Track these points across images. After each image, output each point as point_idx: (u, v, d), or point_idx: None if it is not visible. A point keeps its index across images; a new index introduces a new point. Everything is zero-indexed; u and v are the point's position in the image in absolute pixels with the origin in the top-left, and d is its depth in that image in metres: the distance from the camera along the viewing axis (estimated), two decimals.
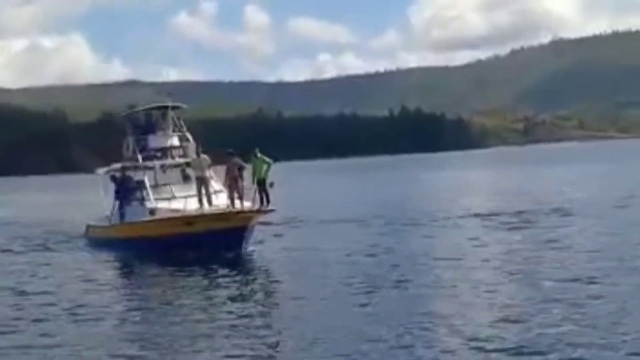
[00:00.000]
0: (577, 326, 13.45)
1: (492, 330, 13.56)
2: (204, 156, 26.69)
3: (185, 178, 28.51)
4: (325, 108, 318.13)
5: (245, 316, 15.79)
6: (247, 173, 25.64)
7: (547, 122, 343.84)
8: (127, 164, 29.15)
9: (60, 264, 25.81)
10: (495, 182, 66.34)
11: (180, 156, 29.05)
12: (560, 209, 33.88)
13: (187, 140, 29.19)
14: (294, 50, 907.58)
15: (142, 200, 27.48)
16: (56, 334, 15.23)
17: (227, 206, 25.37)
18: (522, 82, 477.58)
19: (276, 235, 29.54)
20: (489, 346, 12.58)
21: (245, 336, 14.08)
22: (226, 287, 19.34)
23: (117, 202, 28.68)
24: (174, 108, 29.64)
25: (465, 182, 67.07)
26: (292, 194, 50.21)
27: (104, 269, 24.64)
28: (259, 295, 18.54)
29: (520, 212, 33.10)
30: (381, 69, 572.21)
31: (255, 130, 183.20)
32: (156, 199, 27.11)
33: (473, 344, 12.75)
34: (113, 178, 29.37)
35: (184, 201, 26.17)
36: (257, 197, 25.21)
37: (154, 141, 29.03)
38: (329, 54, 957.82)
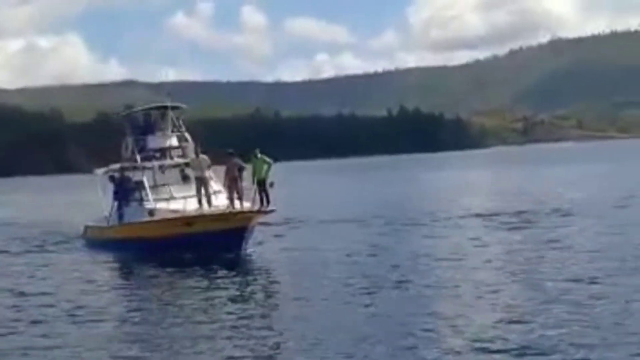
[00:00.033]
0: (580, 327, 13.40)
1: (494, 330, 13.52)
2: (203, 156, 26.60)
3: (185, 178, 28.40)
4: (323, 108, 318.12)
5: (246, 317, 15.74)
6: (247, 173, 25.56)
7: (546, 122, 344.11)
8: (126, 164, 29.05)
9: (58, 265, 25.73)
10: (495, 182, 66.37)
11: (179, 156, 28.95)
12: (561, 209, 33.86)
13: (186, 140, 29.09)
14: (292, 50, 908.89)
15: (141, 200, 27.39)
16: (56, 335, 15.18)
17: (227, 207, 25.28)
18: (520, 82, 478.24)
19: (276, 236, 29.48)
20: (492, 347, 12.54)
21: (246, 337, 14.03)
22: (226, 288, 19.28)
23: (116, 203, 28.53)
24: (173, 108, 29.54)
25: (465, 182, 67.06)
26: (292, 194, 50.10)
27: (103, 270, 24.55)
28: (260, 296, 18.50)
29: (520, 212, 33.08)
30: (379, 69, 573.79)
31: (253, 130, 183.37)
32: (155, 200, 27.03)
33: (476, 344, 12.71)
34: (112, 178, 29.24)
35: (183, 202, 26.11)
36: (257, 197, 25.12)
37: (153, 141, 28.93)
38: (327, 54, 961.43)
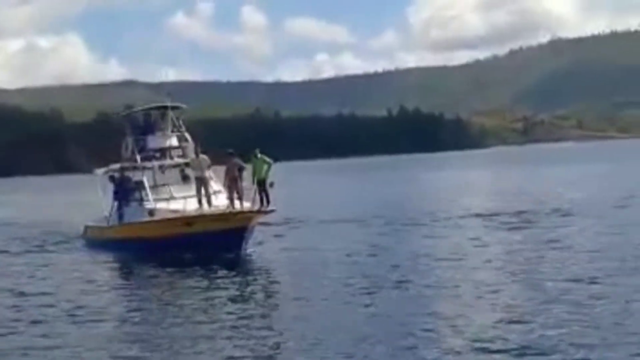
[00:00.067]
0: (580, 327, 13.40)
1: (494, 330, 13.52)
2: (203, 156, 26.56)
3: (185, 178, 28.37)
4: (323, 108, 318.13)
5: (246, 317, 15.74)
6: (247, 173, 25.54)
7: (545, 122, 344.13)
8: (126, 164, 29.01)
9: (58, 265, 25.71)
10: (495, 182, 66.39)
11: (179, 156, 28.92)
12: (561, 209, 33.86)
13: (186, 140, 29.06)
14: (292, 50, 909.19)
15: (141, 200, 27.35)
16: (56, 335, 15.18)
17: (227, 207, 25.26)
18: (520, 82, 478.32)
19: (276, 236, 29.47)
20: (492, 347, 12.55)
21: (246, 337, 14.03)
22: (226, 288, 19.27)
23: (116, 203, 28.50)
24: (173, 108, 29.50)
25: (465, 182, 67.07)
26: (292, 194, 50.10)
27: (103, 270, 24.54)
28: (260, 296, 18.49)
29: (520, 212, 33.07)
30: (379, 69, 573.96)
31: (253, 130, 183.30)
32: (155, 200, 27.00)
33: (476, 344, 12.71)
34: (112, 178, 29.21)
35: (183, 202, 26.09)
36: (257, 197, 25.11)
37: (153, 141, 28.89)
38: (326, 54, 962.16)
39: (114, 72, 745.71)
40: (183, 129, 29.38)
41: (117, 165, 29.46)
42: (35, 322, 16.37)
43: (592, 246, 22.64)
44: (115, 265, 25.62)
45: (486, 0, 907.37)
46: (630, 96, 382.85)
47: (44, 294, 19.87)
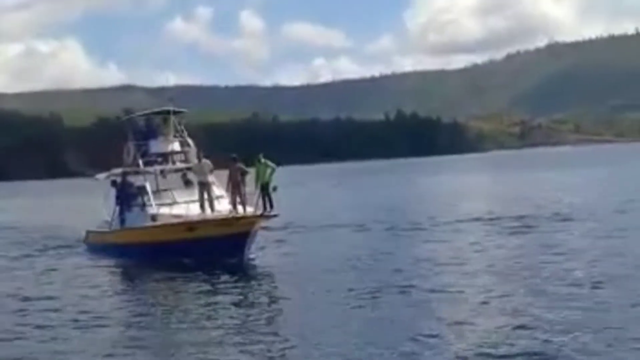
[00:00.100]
0: (584, 332, 13.40)
1: (498, 336, 13.54)
2: (205, 161, 26.51)
3: (187, 183, 28.35)
4: (320, 112, 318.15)
5: (250, 322, 15.75)
6: (250, 178, 25.55)
7: (543, 126, 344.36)
8: (128, 169, 28.99)
9: (61, 270, 25.65)
10: (494, 186, 66.45)
11: (181, 161, 28.90)
12: (560, 213, 33.85)
13: (189, 145, 29.02)
14: (290, 55, 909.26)
15: (143, 205, 27.25)
16: (60, 340, 15.22)
17: (230, 212, 25.26)
18: (518, 86, 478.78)
19: (277, 241, 29.42)
20: (496, 352, 12.58)
21: (250, 342, 14.03)
22: (229, 293, 19.27)
23: (118, 208, 28.43)
24: (175, 113, 29.46)
25: (463, 186, 67.11)
26: (291, 198, 50.07)
27: (106, 275, 24.55)
28: (263, 301, 18.45)
29: (520, 217, 33.06)
30: (377, 74, 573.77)
31: (251, 134, 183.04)
32: (157, 205, 26.92)
33: (480, 350, 12.74)
34: (114, 183, 29.18)
35: (185, 207, 26.09)
36: (260, 202, 25.14)
37: (155, 146, 28.82)
38: (324, 58, 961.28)
39: (112, 76, 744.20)
40: (185, 133, 29.36)
41: (119, 170, 29.39)
42: (39, 327, 16.38)
43: (593, 251, 22.63)
44: (118, 270, 25.57)
45: (483, 5, 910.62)
46: (628, 100, 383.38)
47: (47, 298, 19.87)
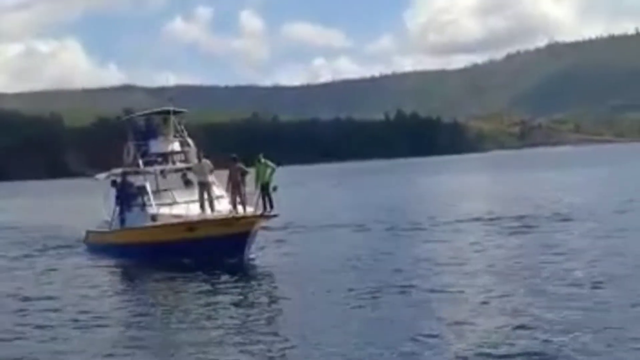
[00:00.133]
0: (585, 332, 13.41)
1: (499, 336, 13.55)
2: (205, 161, 26.52)
3: (187, 183, 28.36)
4: (320, 112, 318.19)
5: (250, 322, 15.76)
6: (250, 178, 25.56)
7: (543, 126, 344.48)
8: (128, 169, 28.99)
9: (61, 270, 25.66)
10: (494, 186, 66.45)
11: (181, 161, 28.89)
12: (560, 213, 33.86)
13: (189, 145, 29.02)
14: (289, 55, 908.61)
15: (143, 205, 27.26)
16: (61, 340, 15.23)
17: (230, 211, 25.26)
18: (518, 86, 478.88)
19: (277, 241, 29.44)
20: (497, 352, 12.59)
21: (251, 342, 14.04)
22: (229, 293, 19.28)
23: (118, 208, 28.44)
24: (175, 113, 29.47)
25: (463, 186, 67.13)
26: (291, 198, 50.08)
27: (106, 275, 24.55)
28: (263, 301, 18.46)
29: (520, 217, 33.06)
30: (377, 74, 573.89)
31: (251, 134, 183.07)
32: (157, 205, 26.93)
33: (480, 350, 12.75)
34: (114, 183, 29.18)
35: (185, 206, 26.11)
36: (260, 202, 25.15)
37: (155, 146, 28.82)
38: (324, 58, 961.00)
39: (112, 76, 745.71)
40: (185, 133, 29.37)
41: (119, 170, 29.40)
42: (39, 327, 16.39)
43: (593, 251, 22.65)
44: (118, 270, 25.55)
45: (483, 5, 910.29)
46: (628, 100, 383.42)
47: (47, 298, 19.87)
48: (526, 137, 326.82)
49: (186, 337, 14.87)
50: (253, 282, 21.46)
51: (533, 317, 14.68)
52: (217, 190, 26.69)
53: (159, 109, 29.87)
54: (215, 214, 25.52)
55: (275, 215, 25.74)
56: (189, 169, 28.07)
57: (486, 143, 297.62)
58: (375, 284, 18.97)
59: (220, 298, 18.72)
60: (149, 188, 27.58)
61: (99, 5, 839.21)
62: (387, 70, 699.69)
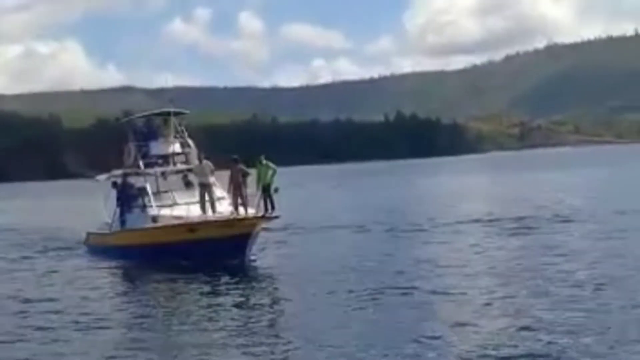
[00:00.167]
0: (588, 333, 13.41)
1: (501, 337, 13.54)
2: (206, 162, 26.49)
3: (187, 184, 28.31)
4: (320, 113, 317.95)
5: (252, 324, 15.74)
6: (251, 179, 25.55)
7: (542, 127, 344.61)
8: (129, 170, 28.98)
9: (61, 271, 25.58)
10: (493, 188, 66.44)
11: (182, 162, 28.88)
12: (561, 214, 33.83)
13: (189, 146, 29.01)
14: (289, 56, 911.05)
15: (144, 207, 27.23)
16: (62, 342, 15.20)
17: (231, 213, 25.24)
18: (517, 87, 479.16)
19: (278, 242, 29.43)
20: (499, 354, 12.58)
21: (252, 344, 14.03)
22: (230, 295, 19.27)
23: (118, 209, 28.43)
24: (176, 114, 29.44)
25: (463, 188, 67.11)
26: (291, 200, 50.04)
27: (106, 276, 24.49)
28: (265, 303, 18.43)
29: (520, 218, 33.04)
30: (376, 75, 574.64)
31: (250, 136, 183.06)
32: (158, 206, 26.91)
33: (483, 351, 12.74)
34: (114, 184, 29.15)
35: (186, 208, 26.09)
36: (262, 203, 25.14)
37: (156, 148, 28.80)
38: (323, 59, 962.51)
39: (112, 77, 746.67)
40: (186, 135, 29.36)
41: (119, 172, 29.39)
42: (40, 329, 16.36)
43: (594, 252, 22.64)
44: (118, 272, 25.51)
45: (482, 6, 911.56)
46: (627, 101, 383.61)
47: (48, 300, 19.83)
48: (525, 138, 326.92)
49: (188, 339, 14.84)
50: (254, 284, 21.48)
51: (535, 318, 14.66)
52: (218, 192, 26.65)
53: (159, 110, 29.87)
54: (216, 215, 25.50)
55: (276, 217, 25.72)
56: (189, 170, 28.04)
57: (485, 144, 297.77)
58: (376, 285, 18.94)
59: (221, 299, 18.71)
60: (149, 189, 27.55)
61: (99, 7, 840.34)
62: (387, 71, 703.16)
